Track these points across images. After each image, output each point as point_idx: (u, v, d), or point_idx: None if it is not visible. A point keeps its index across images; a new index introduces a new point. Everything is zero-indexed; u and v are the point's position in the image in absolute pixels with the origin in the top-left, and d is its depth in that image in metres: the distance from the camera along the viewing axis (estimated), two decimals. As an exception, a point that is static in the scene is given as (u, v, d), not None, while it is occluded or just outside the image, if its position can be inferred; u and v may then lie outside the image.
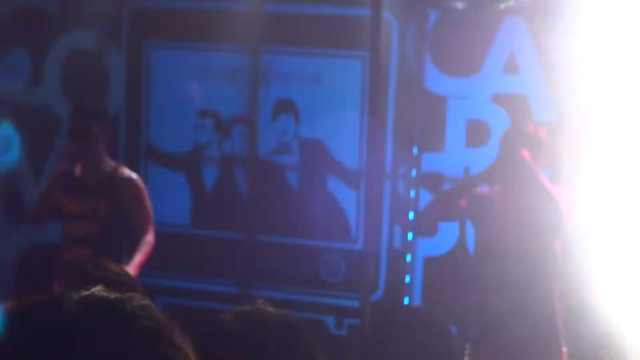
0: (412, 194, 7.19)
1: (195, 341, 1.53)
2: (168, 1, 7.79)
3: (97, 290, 1.52)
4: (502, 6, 6.56)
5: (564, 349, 6.19)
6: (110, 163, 6.29)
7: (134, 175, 6.38)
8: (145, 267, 6.20)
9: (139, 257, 6.03)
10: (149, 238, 6.14)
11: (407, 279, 7.19)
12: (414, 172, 7.16)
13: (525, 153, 6.24)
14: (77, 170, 6.21)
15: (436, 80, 7.15)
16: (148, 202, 6.32)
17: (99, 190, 6.23)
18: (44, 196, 6.41)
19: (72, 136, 6.15)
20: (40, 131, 7.90)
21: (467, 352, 5.53)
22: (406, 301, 7.28)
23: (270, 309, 2.52)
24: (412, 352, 3.14)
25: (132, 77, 7.82)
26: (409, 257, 7.21)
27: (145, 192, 6.34)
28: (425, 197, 7.22)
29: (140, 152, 7.64)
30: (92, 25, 7.72)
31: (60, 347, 1.35)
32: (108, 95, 7.82)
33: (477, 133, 7.10)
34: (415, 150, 7.13)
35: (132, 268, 5.79)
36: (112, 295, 1.48)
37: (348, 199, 7.43)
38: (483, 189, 6.69)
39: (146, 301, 1.37)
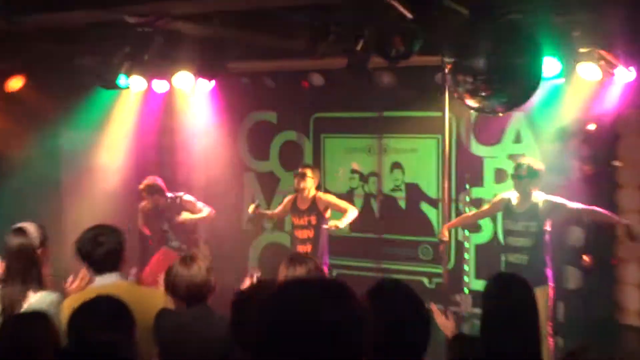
0: (467, 210, 8.52)
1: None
2: (335, 112, 9.33)
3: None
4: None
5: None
6: None
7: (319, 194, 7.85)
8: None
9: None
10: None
11: (467, 256, 8.86)
12: (467, 198, 8.62)
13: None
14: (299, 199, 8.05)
15: (477, 148, 8.81)
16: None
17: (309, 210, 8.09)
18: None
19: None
20: (267, 187, 9.92)
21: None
22: (467, 269, 8.65)
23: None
24: None
25: (315, 155, 9.59)
26: (466, 244, 8.85)
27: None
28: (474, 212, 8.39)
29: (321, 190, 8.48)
30: (295, 127, 9.64)
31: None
32: (303, 161, 9.32)
33: (501, 176, 8.65)
34: (467, 186, 8.63)
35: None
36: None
37: (432, 214, 9.09)
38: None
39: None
